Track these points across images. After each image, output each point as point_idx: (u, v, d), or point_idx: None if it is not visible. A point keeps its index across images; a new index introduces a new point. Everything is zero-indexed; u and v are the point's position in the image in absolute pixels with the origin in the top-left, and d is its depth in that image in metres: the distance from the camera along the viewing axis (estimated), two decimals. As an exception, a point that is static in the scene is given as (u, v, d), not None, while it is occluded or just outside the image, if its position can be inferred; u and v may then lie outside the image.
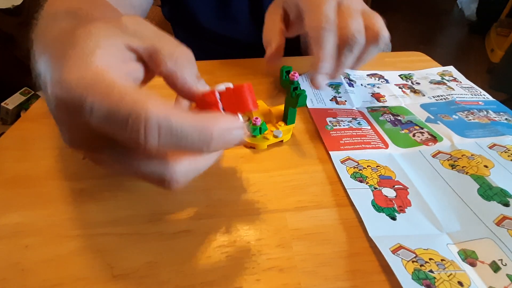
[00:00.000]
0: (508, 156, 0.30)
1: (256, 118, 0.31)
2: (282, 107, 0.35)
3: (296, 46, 0.70)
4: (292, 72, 0.31)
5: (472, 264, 0.21)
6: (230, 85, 0.20)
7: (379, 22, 0.30)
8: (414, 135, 0.33)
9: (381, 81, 0.45)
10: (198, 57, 0.70)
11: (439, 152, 0.31)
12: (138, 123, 0.14)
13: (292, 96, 0.31)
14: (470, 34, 2.69)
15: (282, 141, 0.33)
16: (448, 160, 0.30)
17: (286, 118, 0.33)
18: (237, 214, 0.26)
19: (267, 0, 0.58)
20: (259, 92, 0.43)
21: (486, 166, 0.28)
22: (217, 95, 0.19)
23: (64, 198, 0.27)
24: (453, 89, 0.43)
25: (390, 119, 0.36)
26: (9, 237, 0.24)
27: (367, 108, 0.39)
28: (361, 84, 0.44)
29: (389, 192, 0.27)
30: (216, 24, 0.61)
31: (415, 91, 0.43)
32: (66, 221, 0.25)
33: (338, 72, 0.32)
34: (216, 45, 0.65)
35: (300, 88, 0.31)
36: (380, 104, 0.40)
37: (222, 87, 0.20)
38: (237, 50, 0.65)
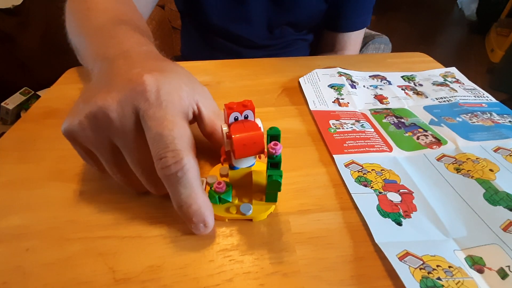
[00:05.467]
0: (513, 159, 0.29)
1: (220, 183, 0.25)
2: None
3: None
4: (273, 143, 0.22)
5: (480, 271, 0.20)
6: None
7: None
8: (418, 138, 0.33)
9: (384, 83, 0.45)
10: (205, 51, 0.72)
11: (444, 156, 0.31)
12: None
13: (267, 174, 0.23)
14: (470, 34, 2.69)
15: (251, 220, 0.25)
16: (453, 163, 0.30)
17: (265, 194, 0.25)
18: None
19: (288, 5, 0.59)
20: (260, 93, 0.43)
21: (491, 170, 0.28)
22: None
23: (65, 200, 0.27)
24: (456, 90, 0.43)
25: (393, 121, 0.36)
26: (10, 240, 0.24)
27: (370, 110, 0.39)
28: (364, 86, 0.44)
29: (394, 197, 0.26)
30: (228, 23, 0.62)
31: (418, 93, 0.42)
32: (67, 223, 0.25)
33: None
34: (225, 41, 0.65)
35: (279, 167, 0.23)
36: (383, 106, 0.40)
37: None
38: (246, 48, 0.66)
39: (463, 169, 0.29)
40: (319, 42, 0.71)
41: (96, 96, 0.23)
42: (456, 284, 0.20)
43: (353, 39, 0.66)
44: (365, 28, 0.67)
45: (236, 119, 0.23)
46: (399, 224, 0.24)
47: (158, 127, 0.21)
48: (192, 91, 0.25)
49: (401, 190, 0.27)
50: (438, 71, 0.48)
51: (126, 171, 0.25)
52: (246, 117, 0.23)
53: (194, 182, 0.22)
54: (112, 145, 0.24)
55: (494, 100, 0.40)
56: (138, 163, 0.23)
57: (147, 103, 0.22)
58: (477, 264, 0.21)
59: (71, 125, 0.23)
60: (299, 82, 0.45)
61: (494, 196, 0.26)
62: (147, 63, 0.26)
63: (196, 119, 0.27)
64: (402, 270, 0.20)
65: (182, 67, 0.28)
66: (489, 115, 0.37)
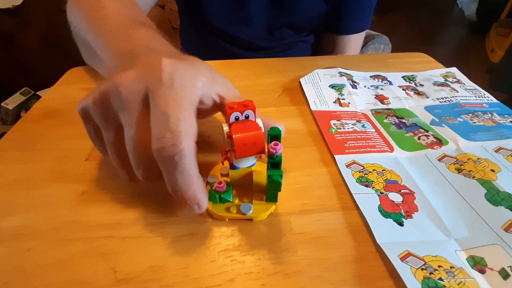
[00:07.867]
0: (514, 159, 0.29)
1: (220, 183, 0.24)
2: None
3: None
4: (274, 142, 0.22)
5: (481, 271, 0.20)
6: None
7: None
8: (419, 138, 0.33)
9: (385, 83, 0.45)
10: (204, 52, 0.70)
11: (445, 156, 0.31)
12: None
13: (267, 174, 0.23)
14: (470, 34, 2.69)
15: (251, 219, 0.25)
16: (454, 164, 0.30)
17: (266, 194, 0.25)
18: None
19: (288, 7, 0.59)
20: (260, 93, 0.43)
21: (492, 170, 0.28)
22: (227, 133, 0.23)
23: (66, 201, 0.27)
24: (457, 91, 0.43)
25: (394, 121, 0.36)
26: (11, 240, 0.24)
27: (371, 110, 0.39)
28: (364, 86, 0.44)
29: (396, 197, 0.26)
30: (227, 25, 0.62)
31: (418, 93, 0.42)
32: (69, 223, 0.25)
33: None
34: (224, 43, 0.65)
35: (279, 167, 0.23)
36: (384, 106, 0.40)
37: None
38: (245, 50, 0.65)
39: (464, 169, 0.29)
40: (319, 44, 0.71)
41: (115, 75, 0.23)
42: (458, 284, 0.20)
43: (354, 41, 0.66)
44: (365, 30, 0.67)
45: (237, 119, 0.23)
46: (401, 224, 0.24)
47: (165, 106, 0.21)
48: (211, 82, 0.25)
49: (402, 191, 0.27)
50: (439, 71, 0.48)
51: (123, 153, 0.24)
52: (247, 117, 0.23)
53: (190, 168, 0.21)
54: (118, 124, 0.24)
55: (495, 100, 0.40)
56: (133, 140, 0.23)
57: (160, 83, 0.22)
58: (478, 264, 0.21)
59: (86, 101, 0.24)
60: (300, 82, 0.45)
61: (495, 197, 0.26)
62: (171, 55, 0.26)
63: (219, 107, 0.27)
64: (404, 271, 0.20)
65: (205, 62, 0.28)
66: (490, 115, 0.37)
